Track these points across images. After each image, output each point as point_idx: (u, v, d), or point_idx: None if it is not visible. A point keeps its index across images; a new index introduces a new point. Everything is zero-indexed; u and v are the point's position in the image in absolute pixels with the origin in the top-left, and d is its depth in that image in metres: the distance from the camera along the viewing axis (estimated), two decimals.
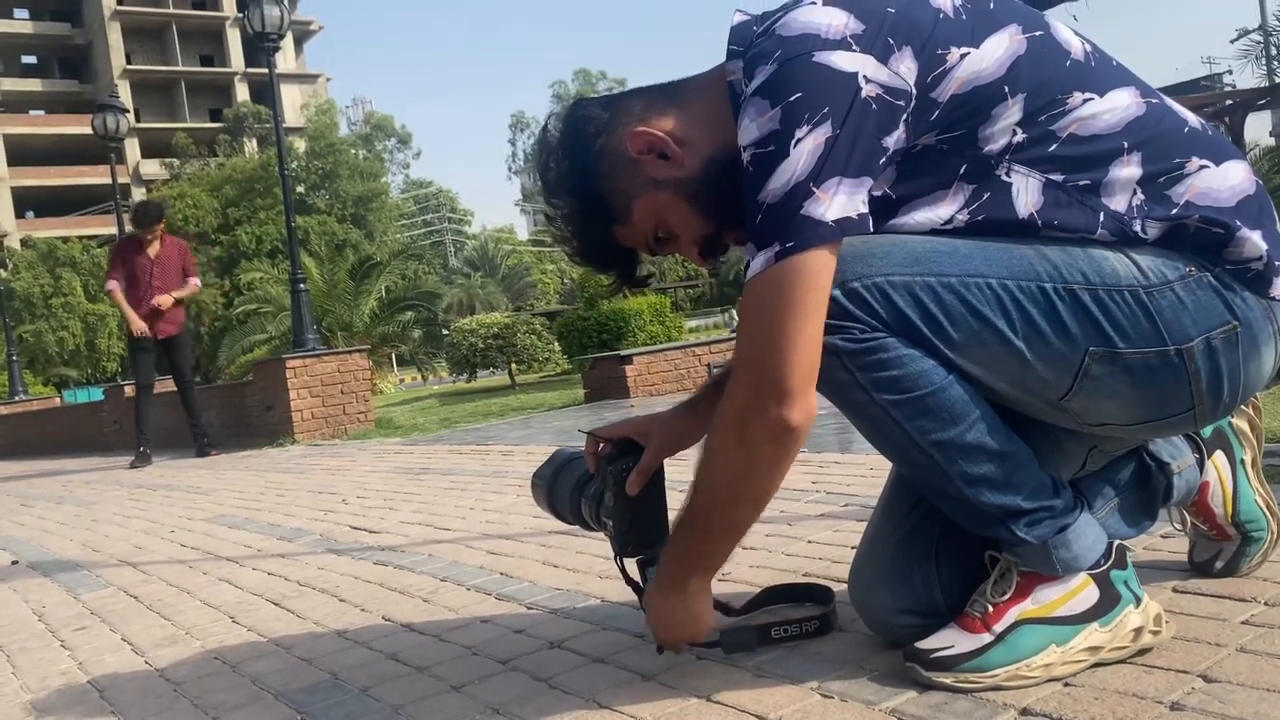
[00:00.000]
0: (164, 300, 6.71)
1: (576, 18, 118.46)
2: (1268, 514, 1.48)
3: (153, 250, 6.86)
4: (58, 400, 15.71)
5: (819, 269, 1.08)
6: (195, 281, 7.07)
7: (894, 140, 1.13)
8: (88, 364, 35.36)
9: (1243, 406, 1.50)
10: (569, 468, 1.49)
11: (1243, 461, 1.49)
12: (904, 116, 1.13)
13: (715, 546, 1.27)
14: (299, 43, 53.51)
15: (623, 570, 1.44)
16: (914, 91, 1.12)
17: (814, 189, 1.07)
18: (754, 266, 1.10)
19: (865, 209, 1.10)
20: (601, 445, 1.42)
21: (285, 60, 49.45)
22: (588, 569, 2.07)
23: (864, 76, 1.10)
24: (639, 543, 1.40)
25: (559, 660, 1.52)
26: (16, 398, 14.06)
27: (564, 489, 1.48)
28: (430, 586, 2.13)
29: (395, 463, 4.89)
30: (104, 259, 34.81)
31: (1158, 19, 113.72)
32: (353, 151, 42.01)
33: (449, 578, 2.19)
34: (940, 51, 1.13)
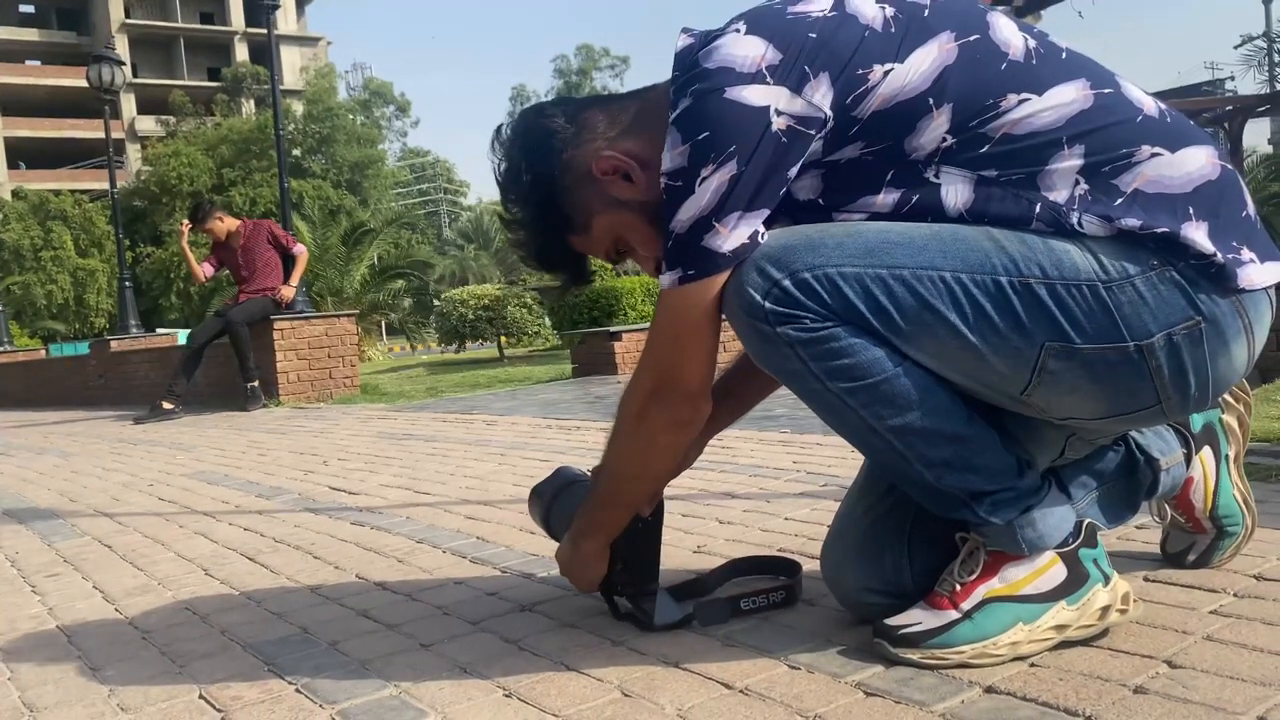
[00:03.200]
0: (286, 294, 6.88)
1: None
2: (1244, 509, 1.49)
3: (235, 243, 6.92)
4: (43, 353, 15.61)
5: (712, 291, 1.18)
6: (299, 249, 7.10)
7: (806, 159, 1.17)
8: (76, 319, 35.17)
9: (1233, 403, 1.51)
10: (570, 491, 1.52)
11: (1227, 457, 1.49)
12: (818, 138, 1.16)
13: (611, 516, 1.41)
14: (300, 5, 53.00)
15: (605, 594, 1.49)
16: (829, 116, 1.15)
17: (715, 224, 1.14)
18: (663, 281, 1.20)
19: (761, 230, 1.17)
20: None
21: (286, 21, 49.01)
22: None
23: (775, 110, 1.13)
24: (630, 583, 1.44)
25: (530, 623, 1.52)
26: (1, 349, 13.98)
27: (563, 512, 1.51)
28: (406, 548, 2.13)
29: (379, 428, 4.88)
30: (96, 213, 34.69)
31: (1168, 20, 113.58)
32: (350, 117, 41.73)
33: (425, 540, 2.19)
34: (861, 71, 1.14)
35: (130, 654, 1.55)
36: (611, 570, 1.44)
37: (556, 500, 1.53)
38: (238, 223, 7.02)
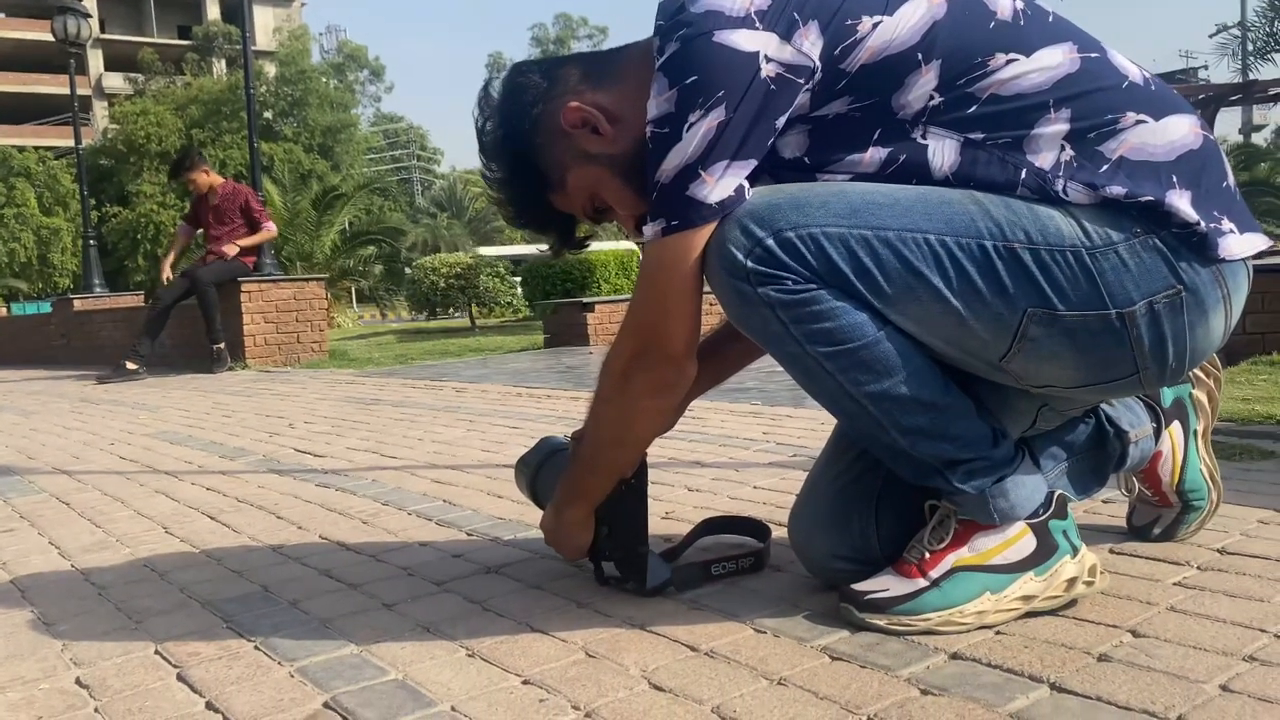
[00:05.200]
0: (229, 250, 6.68)
1: None
2: (1210, 484, 1.50)
3: (211, 198, 6.79)
4: (4, 311, 15.33)
5: (698, 244, 1.15)
6: (268, 226, 6.97)
7: (792, 113, 1.14)
8: (39, 278, 34.52)
9: (1204, 378, 1.51)
10: (555, 460, 1.50)
11: (1195, 432, 1.50)
12: (806, 89, 1.14)
13: (595, 482, 1.39)
14: None
15: (593, 560, 1.46)
16: (817, 66, 1.13)
17: (701, 172, 1.12)
18: (646, 233, 1.17)
19: (746, 183, 1.14)
20: None
21: None
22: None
23: (765, 56, 1.11)
24: (618, 548, 1.42)
25: (495, 584, 1.51)
26: None
27: (548, 481, 1.48)
28: (371, 510, 2.10)
29: (347, 392, 4.83)
30: (61, 171, 34.02)
31: (1148, 6, 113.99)
32: (324, 80, 41.05)
33: (390, 502, 2.16)
34: (850, 22, 1.13)
35: (85, 609, 1.52)
36: (598, 536, 1.42)
37: (542, 469, 1.51)
38: (221, 180, 6.92)
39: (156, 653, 1.30)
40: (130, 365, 6.48)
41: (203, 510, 2.21)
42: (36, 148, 36.82)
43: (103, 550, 1.89)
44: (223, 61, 43.26)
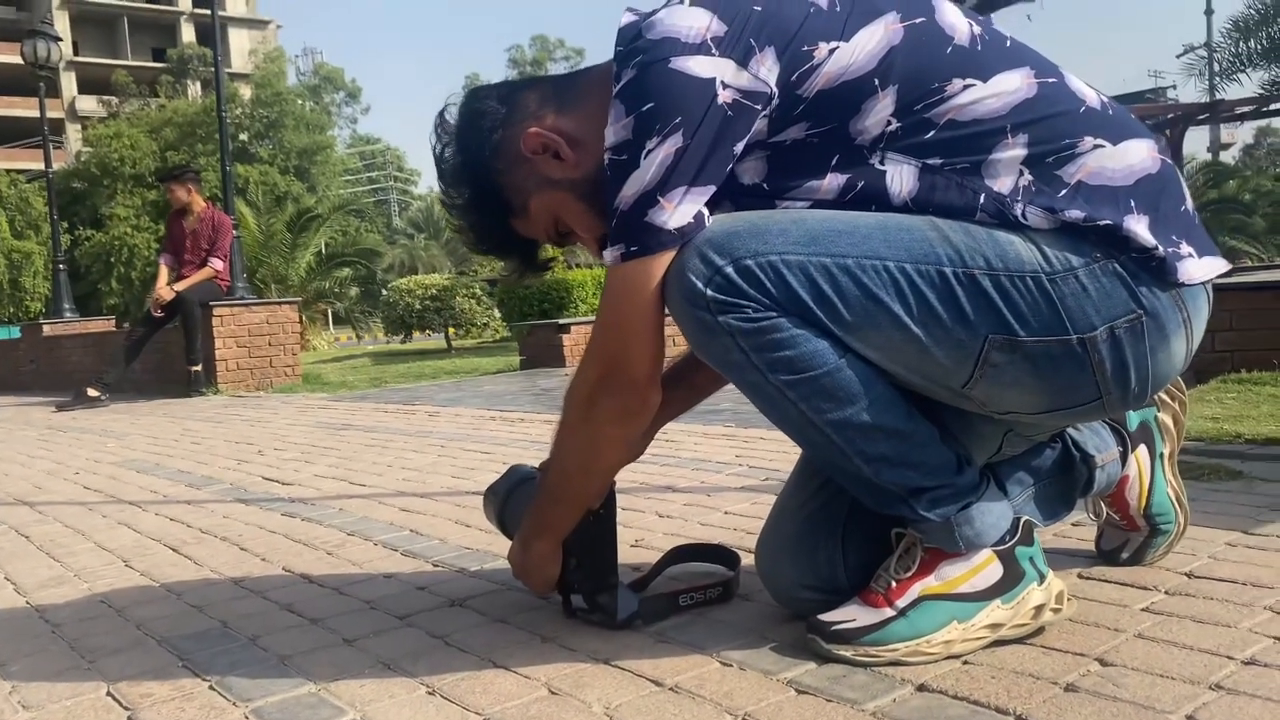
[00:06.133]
0: (163, 295, 6.44)
1: None
2: (1177, 508, 1.49)
3: (189, 222, 6.63)
4: None
5: (658, 270, 1.14)
6: (214, 263, 6.66)
7: (750, 139, 1.14)
8: (10, 302, 34.14)
9: (1169, 401, 1.51)
10: (524, 489, 1.47)
11: (1161, 455, 1.50)
12: (764, 114, 1.13)
13: (561, 513, 1.36)
14: None
15: (561, 594, 1.44)
16: (774, 92, 1.12)
17: (660, 198, 1.11)
18: (606, 258, 1.16)
19: (705, 209, 1.13)
20: None
21: (235, 3, 48.06)
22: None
23: (721, 82, 1.10)
24: (586, 579, 1.39)
25: (459, 618, 1.48)
26: None
27: (517, 511, 1.46)
28: (337, 540, 2.07)
29: (318, 417, 4.78)
30: (32, 194, 33.67)
31: (1117, 28, 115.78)
32: (299, 102, 41.01)
33: (357, 532, 2.13)
34: (807, 48, 1.12)
35: (38, 648, 1.48)
36: (566, 568, 1.40)
37: (510, 498, 1.49)
38: (204, 204, 6.75)
39: (108, 694, 1.27)
40: (92, 392, 6.39)
41: (165, 542, 2.17)
42: (8, 171, 36.47)
43: (60, 585, 1.85)
44: (198, 84, 43.11)
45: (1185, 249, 1.14)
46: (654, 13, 1.17)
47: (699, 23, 1.12)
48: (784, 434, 1.24)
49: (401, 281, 14.02)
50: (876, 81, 1.12)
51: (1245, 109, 16.97)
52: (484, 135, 1.28)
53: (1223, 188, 26.04)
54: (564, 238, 1.33)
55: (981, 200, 1.12)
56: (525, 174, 1.27)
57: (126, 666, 1.36)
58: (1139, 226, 1.11)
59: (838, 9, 1.14)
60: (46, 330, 9.23)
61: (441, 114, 1.33)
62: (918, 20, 1.15)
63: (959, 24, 1.17)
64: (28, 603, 1.75)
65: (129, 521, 2.44)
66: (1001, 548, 1.22)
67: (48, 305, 29.69)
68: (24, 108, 41.73)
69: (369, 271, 22.49)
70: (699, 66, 1.10)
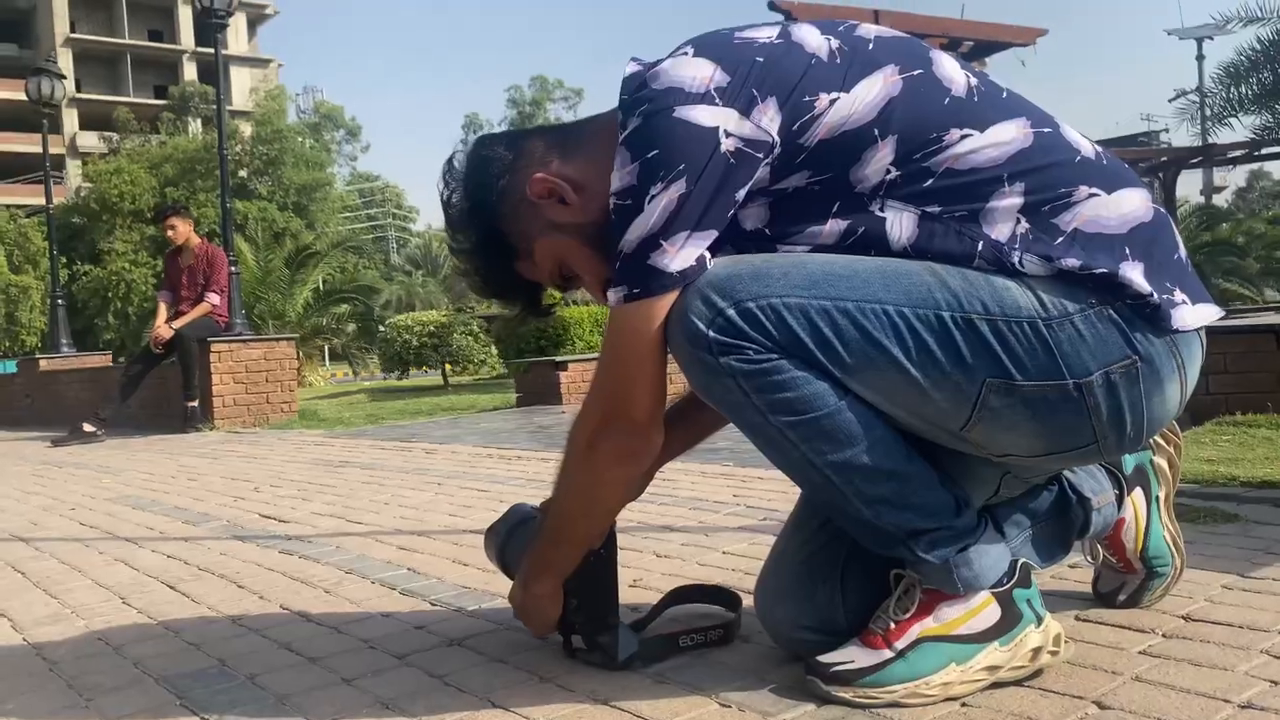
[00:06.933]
0: (162, 334, 6.49)
1: (539, 17, 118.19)
2: (1174, 550, 1.50)
3: (185, 259, 6.69)
4: None
5: (660, 312, 1.16)
6: (211, 298, 6.68)
7: (752, 186, 1.16)
8: (6, 336, 34.13)
9: (1164, 445, 1.52)
10: (525, 528, 1.48)
11: (1157, 498, 1.51)
12: (766, 163, 1.15)
13: (562, 555, 1.37)
14: (252, 25, 52.56)
15: (563, 634, 1.44)
16: (776, 141, 1.15)
17: (662, 242, 1.13)
18: (610, 298, 1.18)
19: (707, 254, 1.15)
20: None
21: (237, 42, 48.56)
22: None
23: (725, 131, 1.13)
24: (587, 620, 1.39)
25: (457, 658, 1.48)
26: None
27: (517, 551, 1.47)
28: (334, 578, 2.07)
29: (315, 454, 4.78)
30: (32, 229, 33.78)
31: (1110, 72, 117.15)
32: (299, 140, 41.30)
33: (354, 570, 2.13)
34: (808, 98, 1.15)
35: (35, 686, 1.48)
36: (567, 609, 1.40)
37: (511, 538, 1.49)
38: (199, 241, 6.82)
39: None
40: (88, 428, 6.38)
41: (162, 579, 2.16)
42: (8, 206, 36.61)
43: (57, 622, 1.85)
44: (199, 121, 43.42)
45: (1179, 296, 1.16)
46: (658, 63, 1.20)
47: (702, 73, 1.14)
48: (784, 475, 1.25)
49: (400, 318, 14.02)
50: (876, 131, 1.15)
51: (1237, 153, 17.16)
52: (491, 180, 1.30)
53: (1216, 231, 26.21)
54: (568, 281, 1.35)
55: (979, 247, 1.14)
56: (531, 218, 1.29)
57: (124, 705, 1.36)
58: (1134, 273, 1.13)
59: (838, 61, 1.17)
60: (43, 365, 9.23)
61: (450, 160, 1.35)
62: (916, 72, 1.18)
63: (956, 76, 1.20)
64: (24, 640, 1.74)
65: (126, 558, 2.43)
66: (999, 589, 1.22)
67: (44, 339, 29.70)
68: (24, 143, 42.00)
69: (366, 308, 22.49)
70: (703, 115, 1.13)
